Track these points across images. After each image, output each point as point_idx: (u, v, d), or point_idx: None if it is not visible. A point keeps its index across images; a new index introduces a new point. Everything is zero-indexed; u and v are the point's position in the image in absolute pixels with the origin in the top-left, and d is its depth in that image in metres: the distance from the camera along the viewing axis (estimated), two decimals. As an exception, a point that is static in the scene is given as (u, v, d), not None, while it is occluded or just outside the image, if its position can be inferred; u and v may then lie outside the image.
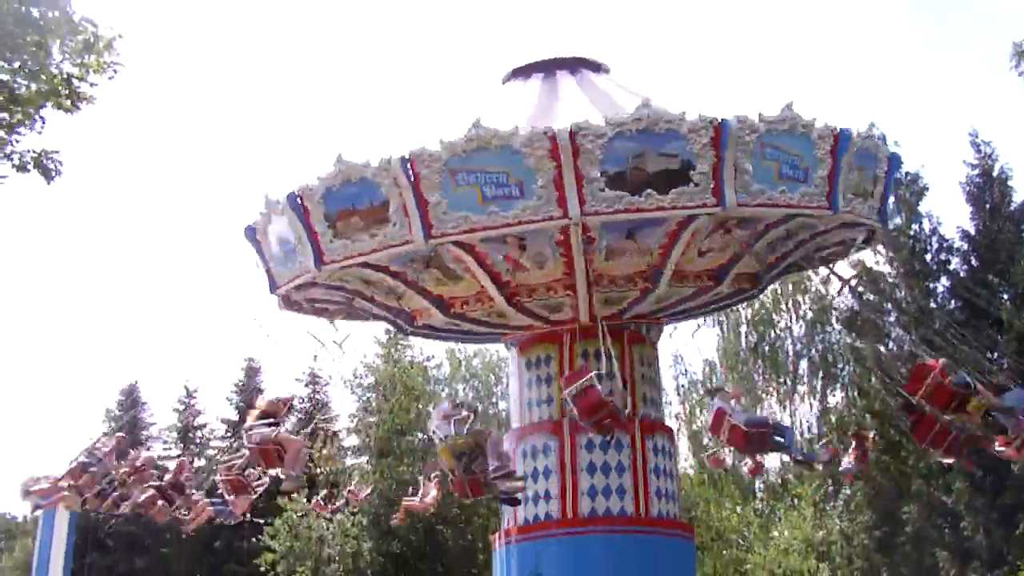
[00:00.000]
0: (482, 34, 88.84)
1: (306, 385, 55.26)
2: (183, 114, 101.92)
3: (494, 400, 46.25)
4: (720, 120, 17.10)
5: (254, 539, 43.27)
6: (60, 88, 13.29)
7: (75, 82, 13.36)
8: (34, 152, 13.74)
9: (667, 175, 17.03)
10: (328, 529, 41.23)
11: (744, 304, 48.86)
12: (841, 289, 22.50)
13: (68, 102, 13.40)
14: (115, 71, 13.64)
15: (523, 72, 22.61)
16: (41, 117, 13.40)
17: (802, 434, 47.67)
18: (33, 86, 13.17)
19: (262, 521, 36.54)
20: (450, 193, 17.28)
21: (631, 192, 17.00)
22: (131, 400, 61.08)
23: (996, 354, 31.91)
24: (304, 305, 22.16)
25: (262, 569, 42.75)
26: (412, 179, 17.30)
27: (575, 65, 22.59)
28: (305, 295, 21.34)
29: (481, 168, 17.17)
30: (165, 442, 58.81)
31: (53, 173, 13.83)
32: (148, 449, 42.05)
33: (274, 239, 20.04)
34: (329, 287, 20.65)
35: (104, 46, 13.37)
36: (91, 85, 13.55)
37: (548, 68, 22.43)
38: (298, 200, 18.64)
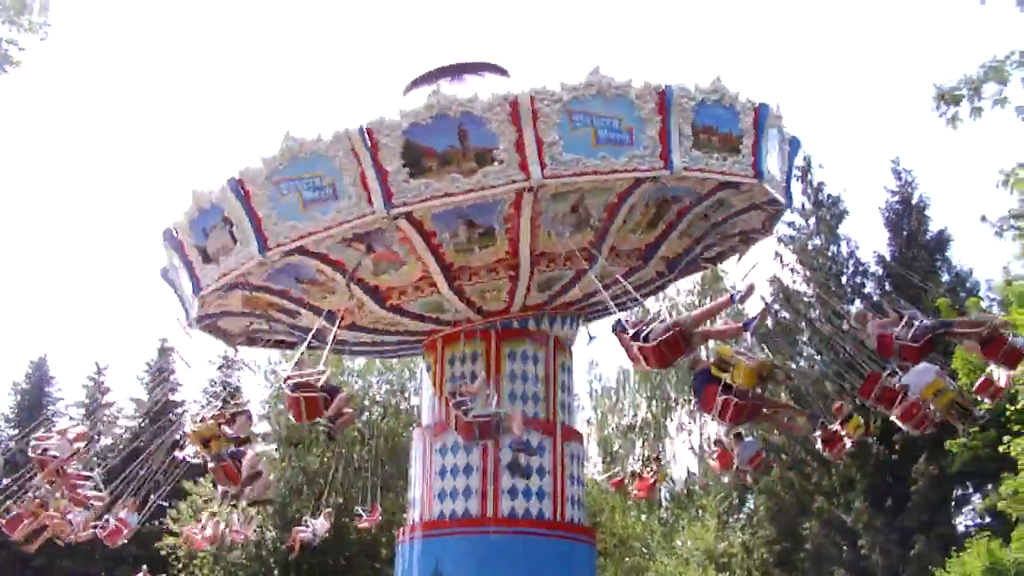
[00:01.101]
0: (370, 47, 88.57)
1: (219, 368, 54.75)
2: (105, 90, 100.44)
3: (407, 395, 45.96)
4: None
5: (156, 522, 42.65)
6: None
7: (4, 45, 13.21)
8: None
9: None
10: (232, 515, 40.71)
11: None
12: (747, 275, 22.79)
13: (-4, 65, 13.25)
14: (46, 32, 13.52)
15: (426, 79, 22.43)
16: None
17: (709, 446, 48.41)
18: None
19: (165, 504, 36.00)
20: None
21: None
22: (39, 374, 59.93)
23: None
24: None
25: (163, 553, 42.16)
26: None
27: (480, 70, 22.73)
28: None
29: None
30: (72, 418, 57.80)
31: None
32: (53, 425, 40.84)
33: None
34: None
35: (40, 9, 13.24)
36: (20, 49, 13.40)
37: (454, 74, 22.44)
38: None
